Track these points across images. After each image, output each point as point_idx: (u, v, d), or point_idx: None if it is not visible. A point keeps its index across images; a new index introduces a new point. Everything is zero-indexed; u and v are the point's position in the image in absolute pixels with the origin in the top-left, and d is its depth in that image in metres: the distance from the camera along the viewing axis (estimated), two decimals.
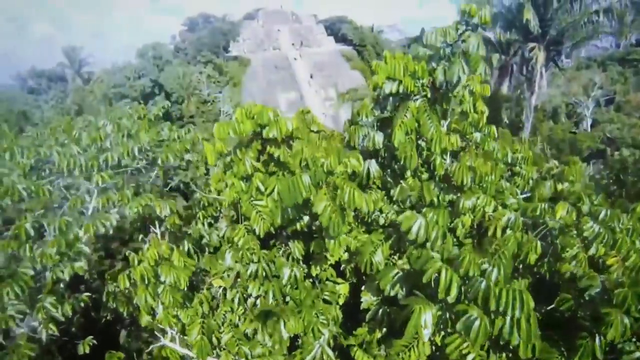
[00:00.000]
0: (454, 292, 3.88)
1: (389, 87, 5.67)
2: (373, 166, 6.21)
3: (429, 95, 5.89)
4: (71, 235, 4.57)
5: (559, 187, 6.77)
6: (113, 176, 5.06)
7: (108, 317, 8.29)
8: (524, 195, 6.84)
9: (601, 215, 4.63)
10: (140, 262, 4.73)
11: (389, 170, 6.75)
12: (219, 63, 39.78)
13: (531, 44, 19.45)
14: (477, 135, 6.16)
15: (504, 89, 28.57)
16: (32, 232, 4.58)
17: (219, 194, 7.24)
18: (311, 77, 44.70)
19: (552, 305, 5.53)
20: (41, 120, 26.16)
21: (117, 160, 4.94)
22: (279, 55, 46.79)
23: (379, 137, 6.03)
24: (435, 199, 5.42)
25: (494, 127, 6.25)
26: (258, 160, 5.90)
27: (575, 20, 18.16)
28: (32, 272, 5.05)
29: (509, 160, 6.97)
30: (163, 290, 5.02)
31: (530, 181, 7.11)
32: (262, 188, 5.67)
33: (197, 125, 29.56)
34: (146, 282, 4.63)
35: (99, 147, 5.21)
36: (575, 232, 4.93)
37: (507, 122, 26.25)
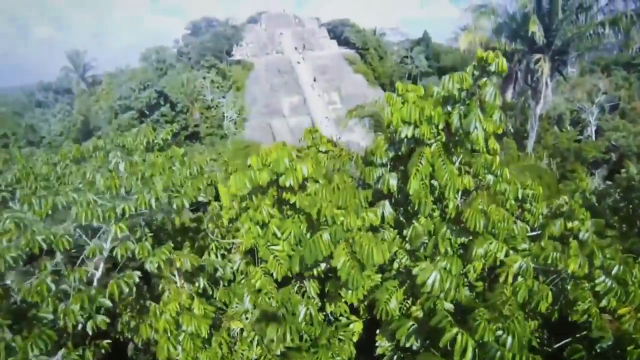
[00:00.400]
0: (469, 356, 3.99)
1: (405, 132, 5.74)
2: (387, 209, 6.32)
3: (443, 139, 5.98)
4: (93, 290, 4.68)
5: (569, 225, 6.84)
6: (130, 226, 5.17)
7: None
8: (534, 233, 6.92)
9: (614, 271, 4.71)
10: (162, 313, 4.84)
11: (401, 208, 6.85)
12: (222, 68, 39.78)
13: (537, 55, 19.38)
14: (490, 178, 6.23)
15: (508, 96, 28.52)
16: (53, 287, 4.70)
17: (230, 222, 7.33)
18: (314, 80, 44.63)
19: (565, 341, 5.64)
20: (48, 134, 26.40)
21: (134, 210, 5.04)
22: (282, 59, 46.71)
23: (393, 181, 6.11)
24: (448, 248, 5.51)
25: (506, 169, 6.31)
26: (274, 205, 6.00)
27: (581, 31, 18.09)
28: (51, 317, 5.19)
29: (519, 197, 7.03)
30: (184, 337, 5.14)
31: (540, 217, 7.17)
32: (279, 234, 5.78)
33: (201, 133, 29.69)
34: (168, 334, 4.75)
35: (115, 194, 5.30)
36: (587, 284, 5.00)
37: (512, 130, 26.24)
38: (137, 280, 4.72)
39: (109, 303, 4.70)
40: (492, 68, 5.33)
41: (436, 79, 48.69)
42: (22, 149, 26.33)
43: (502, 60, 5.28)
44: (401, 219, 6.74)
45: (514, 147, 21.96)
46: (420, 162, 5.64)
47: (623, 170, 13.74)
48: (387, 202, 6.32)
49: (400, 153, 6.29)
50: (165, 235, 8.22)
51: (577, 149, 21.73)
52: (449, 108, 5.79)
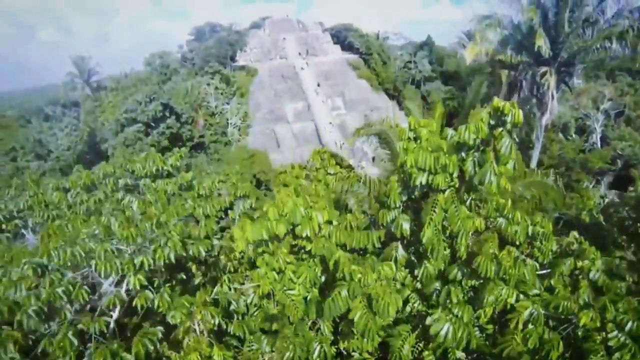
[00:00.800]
0: None
1: (419, 180, 5.81)
2: (400, 252, 6.41)
3: (457, 185, 6.05)
4: (115, 344, 4.79)
5: (579, 264, 6.89)
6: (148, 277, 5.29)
7: None
8: (544, 272, 6.98)
9: (627, 327, 4.76)
10: None
11: (412, 248, 6.92)
12: (226, 74, 39.91)
13: (543, 68, 19.35)
14: (502, 222, 6.28)
15: None
16: (75, 342, 4.81)
17: (242, 252, 7.41)
18: (318, 85, 44.68)
19: None
20: (56, 148, 26.79)
21: (153, 262, 5.15)
22: (286, 64, 46.74)
23: (406, 225, 6.19)
24: (460, 296, 5.58)
25: (518, 212, 6.36)
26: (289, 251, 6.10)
27: (587, 44, 18.05)
28: None
29: (529, 234, 7.07)
30: None
31: (550, 253, 7.21)
32: (295, 279, 5.89)
33: (206, 142, 29.82)
34: None
35: (132, 241, 5.41)
36: (599, 336, 5.06)
37: (517, 140, 26.10)
38: (161, 336, 4.82)
39: (130, 358, 4.81)
40: (508, 119, 5.39)
41: (439, 83, 48.63)
42: (30, 162, 26.88)
43: (519, 112, 5.34)
44: (412, 258, 6.82)
45: (519, 158, 21.80)
46: (433, 211, 5.71)
47: (631, 188, 13.71)
48: (400, 246, 6.40)
49: (413, 197, 6.37)
50: (178, 267, 8.36)
51: (583, 159, 21.70)
52: (464, 154, 5.85)
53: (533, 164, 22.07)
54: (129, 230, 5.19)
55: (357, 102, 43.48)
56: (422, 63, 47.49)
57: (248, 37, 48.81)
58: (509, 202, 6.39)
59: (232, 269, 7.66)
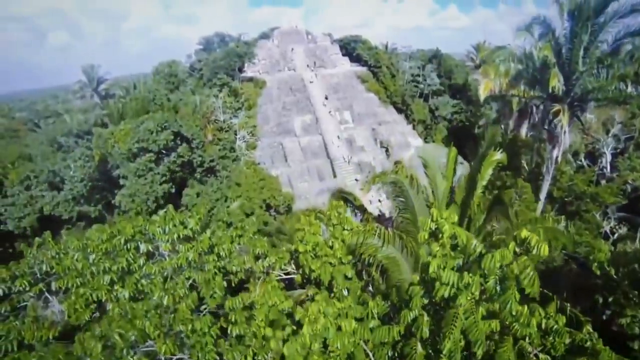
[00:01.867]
0: None
1: (442, 293, 6.00)
2: (419, 349, 6.61)
3: (477, 297, 6.22)
4: None
5: None
6: None
7: None
8: None
9: None
10: None
11: (429, 341, 7.11)
12: (234, 86, 40.04)
13: (556, 106, 19.33)
14: (517, 326, 6.44)
15: (523, 131, 28.44)
16: None
17: (264, 339, 7.65)
18: (326, 98, 44.69)
19: None
20: (70, 180, 27.21)
21: None
22: (294, 76, 46.73)
23: (426, 329, 6.38)
24: None
25: (534, 319, 6.51)
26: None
27: (602, 85, 18.00)
28: None
29: (543, 327, 7.22)
30: None
31: (563, 346, 7.35)
32: None
33: (216, 163, 30.02)
34: None
35: (169, 353, 5.64)
36: None
37: (527, 169, 26.13)
38: None
39: None
40: (534, 251, 5.54)
41: (448, 97, 48.46)
42: (43, 191, 27.46)
43: (545, 247, 5.49)
44: (430, 351, 7.01)
45: (529, 190, 21.94)
46: (454, 325, 5.88)
47: None
48: (419, 344, 6.59)
49: (434, 300, 6.56)
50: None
51: (594, 193, 21.68)
52: (486, 271, 6.01)
53: (542, 195, 22.09)
54: (167, 345, 5.42)
55: (365, 115, 43.56)
56: (430, 77, 47.37)
57: (256, 48, 48.89)
58: (525, 309, 6.55)
59: (253, 339, 7.89)
